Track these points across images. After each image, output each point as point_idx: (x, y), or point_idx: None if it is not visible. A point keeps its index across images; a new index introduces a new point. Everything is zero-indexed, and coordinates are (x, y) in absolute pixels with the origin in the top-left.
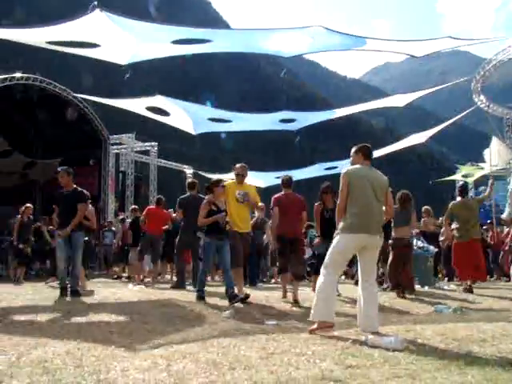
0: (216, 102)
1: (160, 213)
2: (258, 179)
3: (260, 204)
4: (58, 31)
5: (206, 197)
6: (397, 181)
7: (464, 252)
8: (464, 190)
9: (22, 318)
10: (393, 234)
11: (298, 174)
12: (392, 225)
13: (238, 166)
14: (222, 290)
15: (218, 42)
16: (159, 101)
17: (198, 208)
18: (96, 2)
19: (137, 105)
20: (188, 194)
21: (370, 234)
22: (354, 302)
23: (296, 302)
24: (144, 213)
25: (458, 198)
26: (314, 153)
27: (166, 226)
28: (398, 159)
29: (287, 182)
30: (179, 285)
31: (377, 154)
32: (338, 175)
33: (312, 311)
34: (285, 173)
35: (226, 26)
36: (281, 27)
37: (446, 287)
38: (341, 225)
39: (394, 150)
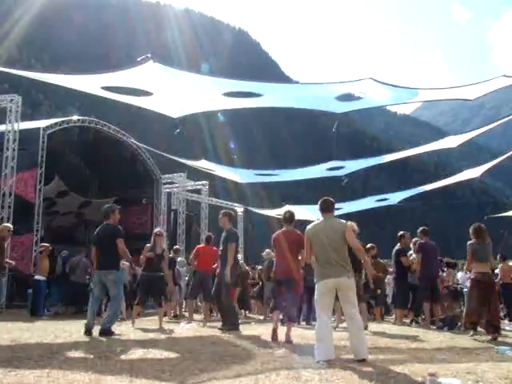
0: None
1: (209, 250)
2: (309, 212)
3: None
4: (112, 78)
5: None
6: (450, 216)
7: None
8: None
9: (76, 354)
10: (472, 269)
11: (349, 207)
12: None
13: None
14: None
15: (269, 96)
16: (204, 164)
17: None
18: (149, 55)
19: (185, 162)
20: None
21: (336, 278)
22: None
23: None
24: (194, 251)
25: None
26: (365, 188)
27: (216, 264)
28: (451, 194)
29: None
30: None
31: (429, 187)
32: (390, 206)
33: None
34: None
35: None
36: (332, 81)
37: (507, 327)
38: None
39: (447, 185)
